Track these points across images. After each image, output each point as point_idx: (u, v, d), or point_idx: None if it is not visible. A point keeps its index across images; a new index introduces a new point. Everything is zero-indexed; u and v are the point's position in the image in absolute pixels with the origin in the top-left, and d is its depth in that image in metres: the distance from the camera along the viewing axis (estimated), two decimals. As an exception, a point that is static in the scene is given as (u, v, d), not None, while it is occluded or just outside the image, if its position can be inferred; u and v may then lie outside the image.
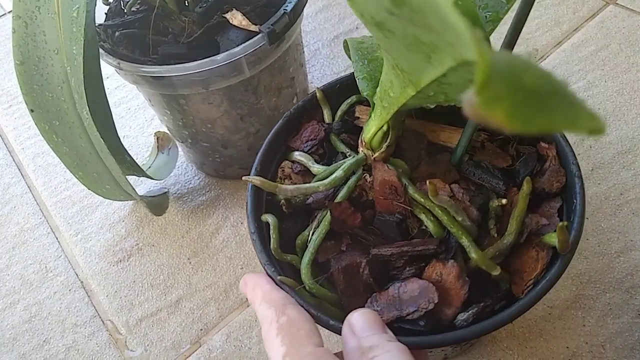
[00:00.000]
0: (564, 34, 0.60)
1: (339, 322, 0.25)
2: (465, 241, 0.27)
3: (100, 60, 0.41)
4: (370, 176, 0.31)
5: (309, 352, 0.22)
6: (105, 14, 0.46)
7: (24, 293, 0.49)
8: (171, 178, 0.54)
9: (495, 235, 0.29)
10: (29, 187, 0.57)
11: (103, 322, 0.47)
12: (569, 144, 0.30)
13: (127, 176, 0.44)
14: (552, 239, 0.27)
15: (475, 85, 0.11)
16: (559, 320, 0.41)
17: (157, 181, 0.54)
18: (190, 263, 0.49)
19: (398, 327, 0.26)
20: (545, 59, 0.58)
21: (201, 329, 0.45)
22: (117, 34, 0.44)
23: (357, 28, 0.64)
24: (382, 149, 0.30)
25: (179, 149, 0.53)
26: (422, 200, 0.29)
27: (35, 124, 0.43)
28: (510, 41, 0.24)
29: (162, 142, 0.51)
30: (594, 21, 0.61)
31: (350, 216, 0.29)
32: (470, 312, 0.26)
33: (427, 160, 0.32)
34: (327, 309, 0.29)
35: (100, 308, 0.48)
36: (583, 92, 0.54)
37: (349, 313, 0.25)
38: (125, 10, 0.46)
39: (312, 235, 0.30)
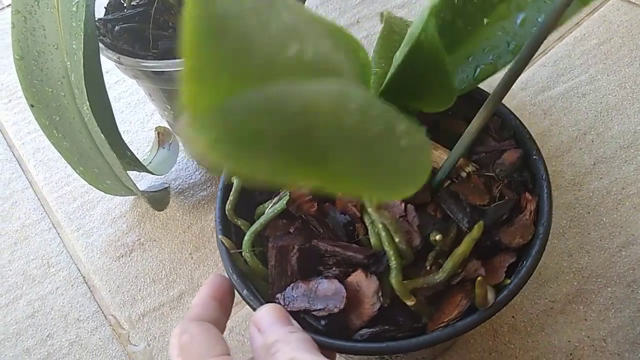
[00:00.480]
0: (566, 27, 0.60)
1: (254, 297, 0.27)
2: (393, 263, 0.27)
3: (100, 54, 0.41)
4: None
5: None
6: (105, 8, 0.46)
7: (27, 288, 0.49)
8: (172, 173, 0.54)
9: (430, 268, 0.28)
10: (29, 182, 0.57)
11: (106, 317, 0.47)
12: (551, 203, 0.29)
13: (128, 171, 0.43)
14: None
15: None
16: (561, 315, 0.41)
17: (158, 176, 0.54)
18: (192, 258, 0.49)
19: (303, 318, 0.27)
20: (547, 53, 0.58)
21: (203, 324, 0.45)
22: (116, 28, 0.43)
23: (357, 22, 0.64)
24: None
25: (180, 144, 0.53)
26: (368, 210, 0.28)
27: (36, 119, 0.43)
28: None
29: (162, 137, 0.50)
30: (596, 15, 0.60)
31: (307, 203, 0.30)
32: (371, 330, 0.26)
33: None
34: (255, 280, 0.30)
35: (102, 303, 0.48)
36: (585, 86, 0.54)
37: (274, 289, 0.27)
38: (125, 4, 0.46)
39: (269, 209, 0.31)
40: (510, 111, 0.33)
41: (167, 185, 0.52)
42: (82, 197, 0.55)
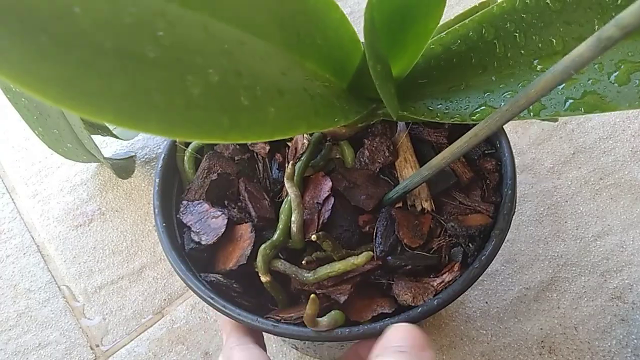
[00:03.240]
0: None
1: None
2: (274, 236, 0.27)
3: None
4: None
5: None
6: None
7: (-27, 255, 0.46)
8: (139, 142, 0.51)
9: (305, 264, 0.26)
10: (-17, 144, 0.53)
11: (59, 288, 0.44)
12: (466, 286, 0.26)
13: (91, 135, 0.41)
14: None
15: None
16: (534, 302, 0.40)
17: (123, 145, 0.51)
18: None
19: (185, 231, 0.29)
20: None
21: (165, 299, 0.43)
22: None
23: (351, 13, 0.62)
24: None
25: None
26: (287, 173, 0.27)
27: (-9, 70, 0.40)
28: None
29: (131, 102, 0.47)
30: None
31: (262, 143, 0.31)
32: (221, 279, 0.26)
33: (368, 175, 0.29)
34: (183, 182, 0.32)
35: (56, 274, 0.45)
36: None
37: (186, 195, 0.29)
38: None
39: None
40: (513, 178, 0.29)
41: (132, 154, 0.49)
42: (40, 163, 0.51)
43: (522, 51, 0.24)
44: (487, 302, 0.40)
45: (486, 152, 0.30)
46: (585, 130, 0.48)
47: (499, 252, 0.42)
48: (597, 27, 0.22)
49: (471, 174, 0.30)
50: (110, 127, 0.46)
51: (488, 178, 0.29)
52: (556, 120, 0.45)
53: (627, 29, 0.14)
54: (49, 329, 0.42)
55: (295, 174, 0.28)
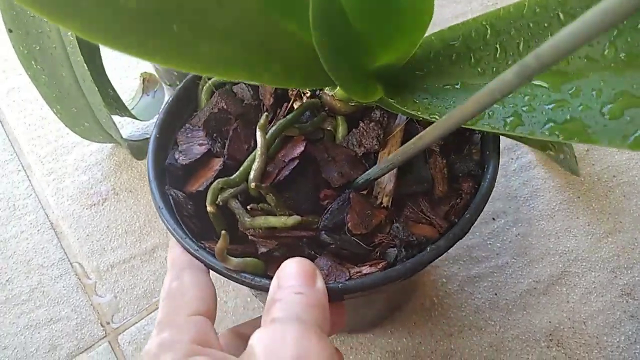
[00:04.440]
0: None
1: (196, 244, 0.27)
2: (235, 174, 0.28)
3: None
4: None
5: (180, 322, 0.22)
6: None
7: (-12, 230, 0.46)
8: (154, 123, 0.52)
9: (249, 210, 0.27)
10: (1, 122, 0.54)
11: (72, 265, 0.44)
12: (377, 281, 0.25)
13: (110, 114, 0.41)
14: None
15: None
16: (544, 295, 0.40)
17: (139, 127, 0.52)
18: (168, 212, 0.47)
19: (174, 148, 0.31)
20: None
21: (175, 280, 0.43)
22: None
23: None
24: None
25: (166, 92, 0.51)
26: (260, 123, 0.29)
27: (13, 46, 0.40)
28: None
29: (148, 84, 0.48)
30: None
31: (269, 93, 0.32)
32: (177, 192, 0.28)
33: (350, 156, 0.29)
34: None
35: (69, 251, 0.45)
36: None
37: (192, 120, 0.31)
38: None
39: None
40: (480, 205, 0.27)
41: (148, 136, 0.50)
42: (56, 142, 0.52)
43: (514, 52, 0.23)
44: (496, 294, 0.41)
45: (472, 172, 0.29)
46: (600, 127, 0.48)
47: (509, 245, 0.42)
48: (607, 50, 0.20)
49: (446, 188, 0.29)
50: (129, 107, 0.47)
51: (461, 198, 0.28)
52: (578, 175, 0.45)
53: (543, 61, 0.14)
54: (61, 305, 0.43)
55: (275, 128, 0.29)
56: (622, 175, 0.45)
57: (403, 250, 0.26)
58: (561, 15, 0.21)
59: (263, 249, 0.26)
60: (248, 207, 0.27)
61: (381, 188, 0.28)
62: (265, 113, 0.29)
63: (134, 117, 0.46)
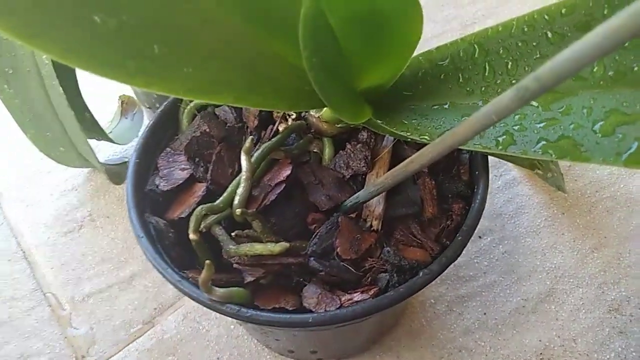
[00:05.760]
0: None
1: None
2: (218, 200, 0.27)
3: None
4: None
5: None
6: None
7: (-44, 261, 0.44)
8: (133, 147, 0.50)
9: (235, 237, 0.27)
10: (-29, 147, 0.52)
11: (45, 295, 0.42)
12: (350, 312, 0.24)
13: (86, 139, 0.40)
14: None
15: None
16: (533, 314, 0.40)
17: (117, 150, 0.50)
18: (148, 238, 0.45)
19: (154, 173, 0.30)
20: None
21: (155, 309, 0.42)
22: None
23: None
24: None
25: (145, 115, 0.50)
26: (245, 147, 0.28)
27: (-16, 69, 0.39)
28: None
29: (126, 107, 0.47)
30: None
31: (253, 116, 0.31)
32: (158, 219, 0.27)
33: (337, 178, 0.28)
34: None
35: (43, 281, 0.43)
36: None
37: (174, 143, 0.30)
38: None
39: None
40: (472, 227, 0.27)
41: (126, 160, 0.48)
42: (30, 167, 0.50)
43: (513, 81, 0.22)
44: (485, 314, 0.40)
45: (462, 193, 0.29)
46: (580, 144, 0.48)
47: (496, 263, 0.42)
48: (596, 68, 0.20)
49: (436, 210, 0.28)
50: (107, 130, 0.45)
51: (452, 220, 0.28)
52: (565, 192, 0.45)
53: (544, 84, 0.13)
54: (33, 339, 0.40)
55: (260, 151, 0.28)
56: (604, 191, 0.45)
57: (395, 275, 0.25)
58: (549, 34, 0.21)
59: (249, 278, 0.25)
60: (233, 233, 0.26)
61: (370, 211, 0.27)
62: (251, 136, 0.28)
63: (112, 141, 0.44)
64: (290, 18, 0.20)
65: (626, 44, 0.19)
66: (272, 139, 0.28)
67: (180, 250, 0.27)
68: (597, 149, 0.20)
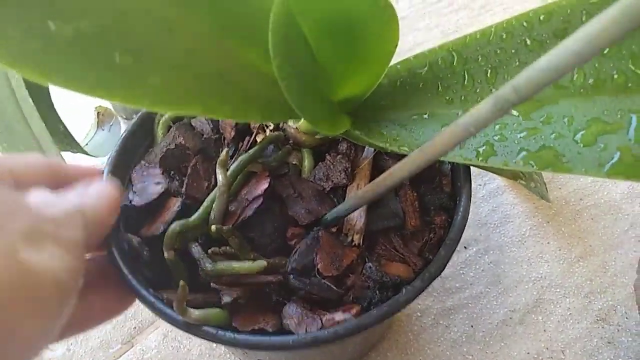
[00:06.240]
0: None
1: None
2: (192, 217, 0.26)
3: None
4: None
5: None
6: None
7: None
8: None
9: (210, 254, 0.26)
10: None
11: (18, 316, 0.41)
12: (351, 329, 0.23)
13: (60, 152, 0.38)
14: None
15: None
16: (520, 325, 0.39)
17: (94, 163, 0.49)
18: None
19: (127, 185, 0.29)
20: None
21: (135, 327, 0.40)
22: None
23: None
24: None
25: (122, 126, 0.48)
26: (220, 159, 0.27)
27: (-48, 82, 0.38)
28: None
29: (103, 118, 0.46)
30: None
31: (230, 127, 0.31)
32: (133, 237, 0.26)
33: (317, 191, 0.27)
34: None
35: (16, 301, 0.42)
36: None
37: (146, 157, 0.29)
38: None
39: None
40: (455, 240, 0.26)
41: (102, 171, 0.47)
42: (3, 182, 0.48)
43: (493, 89, 0.22)
44: (472, 326, 0.39)
45: (444, 204, 0.28)
46: (564, 151, 0.48)
47: (482, 274, 0.42)
48: (576, 76, 0.20)
49: (418, 222, 0.28)
50: (84, 142, 0.44)
51: (434, 233, 0.27)
52: (549, 201, 0.44)
53: (521, 94, 0.13)
54: (6, 361, 0.39)
55: (236, 164, 0.27)
56: (588, 198, 0.45)
57: (377, 292, 0.24)
58: (528, 41, 0.21)
59: (227, 298, 0.24)
60: (209, 251, 0.25)
61: (351, 225, 0.27)
62: (226, 148, 0.28)
63: (87, 154, 0.43)
64: (260, 26, 0.19)
65: (605, 51, 0.19)
66: (249, 151, 0.27)
67: (155, 268, 0.26)
68: (579, 160, 0.19)
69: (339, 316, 0.23)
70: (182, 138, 0.30)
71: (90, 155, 0.44)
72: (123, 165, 0.30)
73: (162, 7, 0.18)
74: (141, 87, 0.17)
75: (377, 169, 0.29)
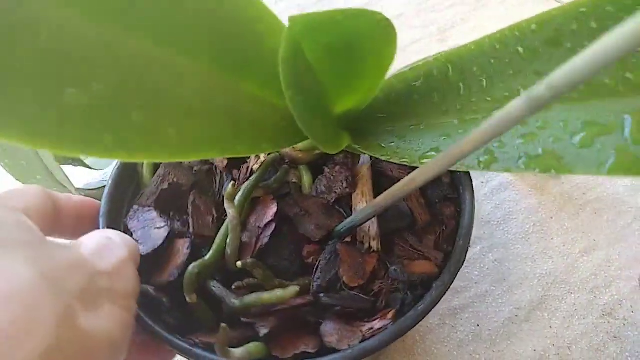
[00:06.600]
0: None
1: None
2: (207, 255, 0.25)
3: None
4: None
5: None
6: None
7: None
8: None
9: (236, 289, 0.25)
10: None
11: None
12: (398, 333, 0.24)
13: (61, 165, 0.39)
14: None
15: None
16: (526, 322, 0.39)
17: (94, 175, 0.49)
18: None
19: (129, 232, 0.28)
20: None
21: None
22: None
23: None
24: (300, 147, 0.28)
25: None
26: (227, 192, 0.26)
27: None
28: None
29: (104, 130, 0.46)
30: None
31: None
32: (152, 291, 0.25)
33: (322, 205, 0.27)
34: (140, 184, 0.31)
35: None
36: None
37: (139, 201, 0.28)
38: None
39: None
40: (469, 228, 0.27)
41: (106, 183, 0.47)
42: (7, 196, 0.49)
43: (488, 98, 0.22)
44: (478, 325, 0.39)
45: (448, 196, 0.29)
46: (565, 146, 0.48)
47: (487, 272, 0.42)
48: None
49: (428, 217, 0.28)
50: (83, 157, 0.44)
51: (446, 224, 0.28)
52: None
53: (557, 90, 0.13)
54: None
55: (240, 194, 0.26)
56: (591, 192, 0.45)
57: (408, 293, 0.25)
58: (521, 50, 0.21)
59: (264, 330, 0.23)
60: (232, 286, 0.25)
61: (365, 232, 0.27)
62: (232, 181, 0.27)
63: (88, 167, 0.43)
64: (262, 57, 0.19)
65: None
66: (250, 178, 0.27)
67: (175, 314, 0.25)
68: (579, 161, 0.19)
69: (377, 324, 0.24)
70: (173, 176, 0.29)
71: (92, 168, 0.44)
72: (115, 216, 0.29)
73: (170, 57, 0.18)
74: (159, 142, 0.17)
75: (376, 173, 0.30)
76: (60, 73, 0.14)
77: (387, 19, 0.20)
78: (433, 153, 0.23)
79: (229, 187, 0.26)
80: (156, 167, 0.30)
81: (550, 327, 0.39)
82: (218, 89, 0.20)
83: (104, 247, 0.20)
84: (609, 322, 0.39)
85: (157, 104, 0.17)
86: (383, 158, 0.23)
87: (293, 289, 0.23)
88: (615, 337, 0.38)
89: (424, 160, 0.23)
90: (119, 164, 0.30)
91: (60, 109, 0.14)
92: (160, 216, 0.27)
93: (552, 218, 0.44)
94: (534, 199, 0.45)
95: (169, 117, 0.17)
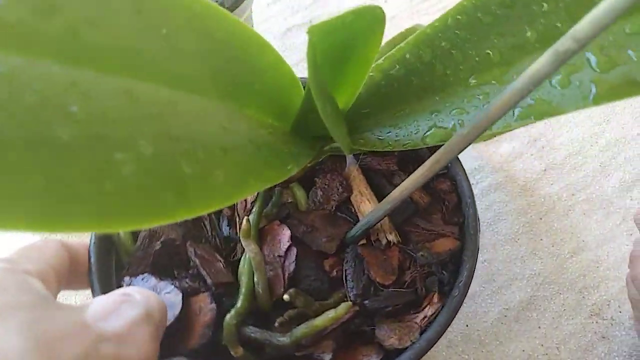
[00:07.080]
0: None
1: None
2: (239, 302, 0.24)
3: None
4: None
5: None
6: None
7: None
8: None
9: (279, 327, 0.24)
10: None
11: None
12: (453, 314, 0.25)
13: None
14: None
15: None
16: (515, 323, 0.39)
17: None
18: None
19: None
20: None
21: None
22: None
23: (310, 21, 0.62)
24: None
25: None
26: (242, 230, 0.25)
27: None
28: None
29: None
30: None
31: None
32: (179, 358, 0.24)
33: (325, 216, 0.27)
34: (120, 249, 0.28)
35: None
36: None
37: (128, 271, 0.25)
38: None
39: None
40: (472, 195, 0.28)
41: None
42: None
43: (461, 67, 0.23)
44: (467, 325, 0.40)
45: (439, 172, 0.29)
46: (555, 146, 0.48)
47: (477, 272, 0.42)
48: (529, 33, 0.22)
49: (428, 197, 0.29)
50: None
51: (445, 199, 0.28)
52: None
53: (583, 41, 0.14)
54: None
55: (251, 228, 0.25)
56: (580, 193, 0.45)
57: (444, 272, 0.25)
58: (480, 16, 0.22)
59: (328, 357, 0.23)
60: (276, 324, 0.23)
61: (379, 229, 0.27)
62: (246, 217, 0.25)
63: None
64: (264, 87, 0.20)
65: (544, 8, 0.20)
66: (252, 210, 0.27)
67: None
68: (565, 100, 0.20)
69: (428, 311, 0.24)
70: (161, 232, 0.27)
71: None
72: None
73: (187, 97, 0.17)
74: (212, 187, 0.16)
75: (364, 171, 0.30)
76: (102, 140, 0.13)
77: (384, 12, 0.21)
78: (433, 130, 0.23)
79: (244, 223, 0.24)
80: (135, 232, 0.28)
81: (539, 327, 0.39)
82: (232, 119, 0.19)
83: (114, 307, 0.18)
84: (597, 322, 0.39)
85: (198, 147, 0.16)
86: (385, 149, 0.24)
87: (346, 304, 0.23)
88: (604, 337, 0.38)
89: (427, 140, 0.23)
90: (94, 238, 0.27)
91: (115, 179, 0.13)
92: (161, 279, 0.25)
93: (541, 219, 0.44)
94: (524, 200, 0.45)
95: (212, 158, 0.16)
